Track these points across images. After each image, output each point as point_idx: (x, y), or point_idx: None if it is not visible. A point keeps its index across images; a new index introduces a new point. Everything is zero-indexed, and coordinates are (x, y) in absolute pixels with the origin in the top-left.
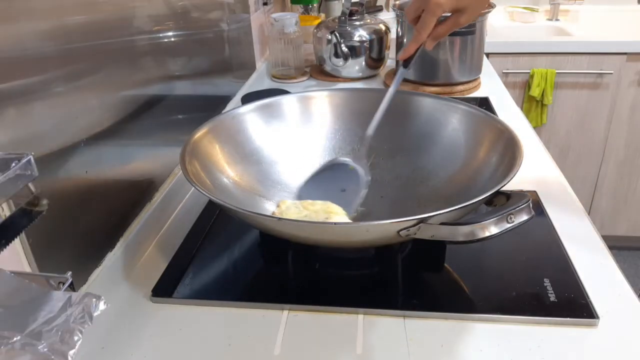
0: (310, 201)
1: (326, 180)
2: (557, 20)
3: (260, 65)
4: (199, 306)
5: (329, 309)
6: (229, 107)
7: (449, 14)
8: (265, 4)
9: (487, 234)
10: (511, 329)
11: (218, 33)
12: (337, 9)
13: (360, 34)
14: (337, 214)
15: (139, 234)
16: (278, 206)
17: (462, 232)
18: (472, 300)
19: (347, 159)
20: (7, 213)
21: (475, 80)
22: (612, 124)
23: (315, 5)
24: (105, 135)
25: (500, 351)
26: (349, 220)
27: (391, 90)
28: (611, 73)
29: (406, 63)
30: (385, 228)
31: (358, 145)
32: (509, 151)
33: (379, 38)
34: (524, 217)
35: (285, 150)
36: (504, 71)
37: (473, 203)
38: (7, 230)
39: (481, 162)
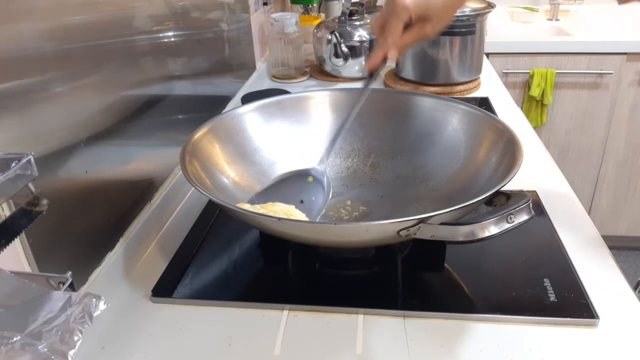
0: (271, 203)
1: (282, 191)
2: (557, 20)
3: (260, 65)
4: (199, 306)
5: (329, 309)
6: (229, 107)
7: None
8: (265, 4)
9: (487, 234)
10: (511, 329)
11: (218, 33)
12: (337, 9)
13: (360, 34)
14: (298, 216)
15: (139, 234)
16: None
17: (462, 232)
18: (472, 300)
19: (308, 170)
20: (7, 213)
21: (475, 80)
22: (612, 124)
23: (315, 5)
24: (105, 135)
25: (500, 351)
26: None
27: (357, 106)
28: (611, 73)
29: (372, 74)
30: (385, 228)
31: (358, 145)
32: (509, 151)
33: None
34: (524, 217)
35: (285, 150)
36: (504, 71)
37: (473, 203)
38: (7, 230)
39: (481, 162)
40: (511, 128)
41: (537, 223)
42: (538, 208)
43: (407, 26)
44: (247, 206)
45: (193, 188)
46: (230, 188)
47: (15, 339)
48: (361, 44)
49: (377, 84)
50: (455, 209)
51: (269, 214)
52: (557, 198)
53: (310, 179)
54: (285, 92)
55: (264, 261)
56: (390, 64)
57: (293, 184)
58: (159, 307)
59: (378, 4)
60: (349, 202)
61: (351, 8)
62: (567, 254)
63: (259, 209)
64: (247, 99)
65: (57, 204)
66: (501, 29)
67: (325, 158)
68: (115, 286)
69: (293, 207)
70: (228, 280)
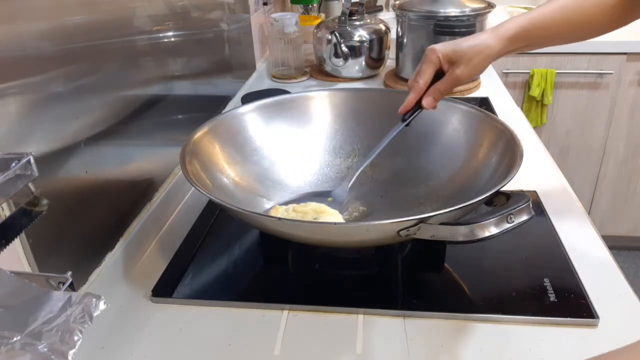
0: (302, 204)
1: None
2: None
3: (260, 65)
4: (199, 306)
5: (329, 309)
6: (229, 107)
7: None
8: (265, 4)
9: (487, 234)
10: (511, 329)
11: (218, 33)
12: (337, 9)
13: (360, 34)
14: (330, 214)
15: (139, 234)
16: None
17: (462, 232)
18: (472, 300)
19: (329, 192)
20: (7, 213)
21: (475, 80)
22: (612, 124)
23: (315, 5)
24: (105, 135)
25: (500, 351)
26: (342, 219)
27: (382, 144)
28: (611, 73)
29: (405, 118)
30: (385, 228)
31: (358, 145)
32: (509, 151)
33: (379, 38)
34: (524, 217)
35: (285, 150)
36: (504, 71)
37: (473, 203)
38: (7, 230)
39: (481, 162)
40: (511, 128)
41: (537, 223)
42: (538, 208)
43: (441, 76)
44: (281, 209)
45: (193, 188)
46: (230, 188)
47: (15, 339)
48: (361, 44)
49: (377, 84)
50: (455, 209)
51: (269, 213)
52: (557, 198)
53: (330, 199)
54: (285, 92)
55: (264, 261)
56: (390, 65)
57: (313, 198)
58: (159, 307)
59: (378, 4)
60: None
61: (351, 8)
62: (567, 254)
63: (291, 211)
64: (247, 99)
65: (57, 204)
66: None
67: (347, 184)
68: (115, 286)
69: (324, 205)
70: (228, 280)
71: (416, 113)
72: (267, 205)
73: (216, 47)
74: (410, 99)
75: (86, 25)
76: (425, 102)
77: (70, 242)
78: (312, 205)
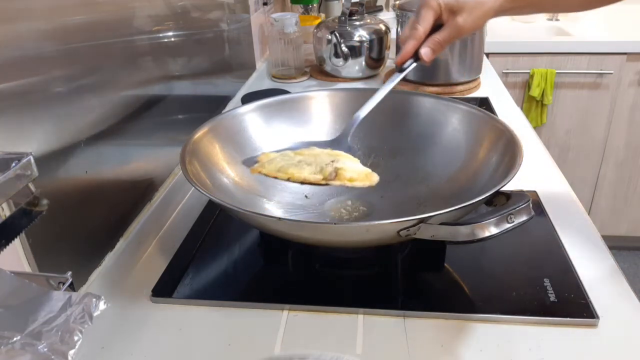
0: (305, 148)
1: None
2: (557, 20)
3: (260, 65)
4: (199, 306)
5: (329, 309)
6: (229, 107)
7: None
8: (265, 4)
9: (487, 234)
10: (511, 329)
11: (218, 33)
12: (337, 9)
13: (360, 34)
14: (346, 157)
15: (139, 234)
16: (258, 161)
17: (462, 232)
18: (472, 300)
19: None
20: (7, 213)
21: (475, 80)
22: (612, 124)
23: (315, 5)
24: (105, 135)
25: (500, 351)
26: (360, 164)
27: (380, 93)
28: (611, 73)
29: (403, 68)
30: (385, 228)
31: (358, 145)
32: (509, 151)
33: (379, 38)
34: (524, 217)
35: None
36: (504, 71)
37: (473, 203)
38: (7, 230)
39: (481, 162)
40: (511, 128)
41: (537, 223)
42: (538, 208)
43: (440, 26)
44: (272, 154)
45: (193, 188)
46: (230, 188)
47: (15, 339)
48: (361, 44)
49: (377, 84)
50: (455, 209)
51: (268, 213)
52: (557, 198)
53: (329, 149)
54: (285, 92)
55: (264, 261)
56: (390, 65)
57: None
58: (159, 307)
59: (378, 4)
60: (349, 202)
61: (351, 8)
62: (567, 254)
63: (292, 155)
64: (247, 99)
65: (57, 204)
66: (501, 29)
67: (347, 136)
68: (115, 286)
69: (336, 150)
70: (228, 280)
71: (413, 65)
72: (267, 205)
73: (216, 47)
74: (408, 48)
75: (86, 25)
76: (423, 52)
77: (70, 242)
78: (326, 150)
